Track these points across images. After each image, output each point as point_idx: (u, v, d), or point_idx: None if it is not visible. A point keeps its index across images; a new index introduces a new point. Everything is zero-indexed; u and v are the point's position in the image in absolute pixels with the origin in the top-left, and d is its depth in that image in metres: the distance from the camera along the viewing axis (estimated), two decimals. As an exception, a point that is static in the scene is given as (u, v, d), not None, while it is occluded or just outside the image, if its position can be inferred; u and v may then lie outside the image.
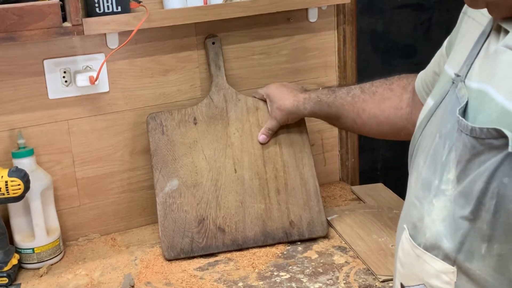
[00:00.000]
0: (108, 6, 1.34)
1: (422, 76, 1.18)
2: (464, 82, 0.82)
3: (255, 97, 1.50)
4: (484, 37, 0.84)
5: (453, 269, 0.77)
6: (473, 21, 0.92)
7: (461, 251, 0.76)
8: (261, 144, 1.46)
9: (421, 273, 0.83)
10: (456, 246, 0.77)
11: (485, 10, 0.86)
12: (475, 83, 0.80)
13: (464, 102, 0.79)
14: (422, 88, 1.16)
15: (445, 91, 0.87)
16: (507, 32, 0.79)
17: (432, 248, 0.81)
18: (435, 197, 0.81)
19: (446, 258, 0.78)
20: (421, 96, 1.16)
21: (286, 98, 1.42)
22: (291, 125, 1.50)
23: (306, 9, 1.59)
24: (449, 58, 0.97)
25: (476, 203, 0.74)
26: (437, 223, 0.80)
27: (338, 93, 1.36)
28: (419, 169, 0.88)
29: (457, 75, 0.85)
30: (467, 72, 0.83)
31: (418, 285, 0.83)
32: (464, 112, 0.78)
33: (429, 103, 0.93)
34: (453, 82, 0.85)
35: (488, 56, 0.81)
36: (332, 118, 1.37)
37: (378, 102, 1.29)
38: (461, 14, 0.99)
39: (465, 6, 0.97)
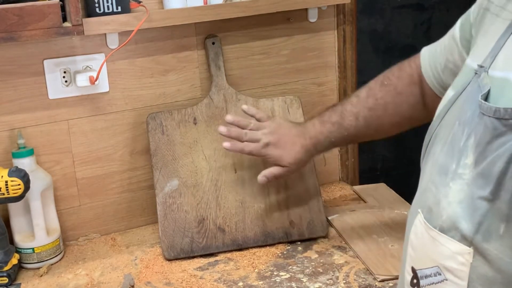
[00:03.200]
0: (108, 6, 1.34)
1: (430, 60, 1.15)
2: (487, 72, 0.83)
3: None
4: (511, 29, 0.85)
5: (470, 250, 0.78)
6: (497, 18, 0.92)
7: (479, 232, 0.77)
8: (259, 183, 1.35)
9: (435, 255, 0.83)
10: (474, 227, 0.77)
11: (510, 7, 0.86)
12: (499, 72, 0.81)
13: (487, 90, 0.80)
14: (432, 73, 1.14)
15: (466, 81, 0.87)
16: None
17: (448, 230, 0.80)
18: (452, 180, 0.82)
19: (463, 239, 0.78)
20: (430, 80, 1.15)
21: (293, 146, 1.31)
22: (291, 125, 1.50)
23: (306, 9, 1.59)
24: (471, 52, 0.97)
25: (496, 183, 0.74)
26: (454, 205, 0.80)
27: (346, 122, 1.27)
28: (435, 157, 0.88)
29: (481, 66, 0.85)
30: (491, 63, 0.84)
31: (432, 267, 0.83)
32: (485, 100, 0.79)
33: (449, 93, 0.93)
34: (475, 73, 0.85)
35: None
36: (344, 144, 1.36)
37: (393, 111, 1.24)
38: (482, 10, 0.97)
39: (487, 2, 0.96)
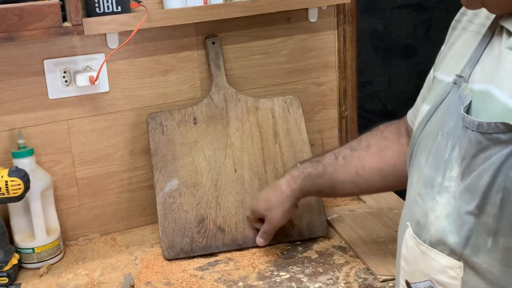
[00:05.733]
0: (108, 6, 1.34)
1: (414, 108, 1.14)
2: (467, 83, 0.83)
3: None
4: (487, 40, 0.85)
5: (460, 264, 0.78)
6: (464, 31, 0.94)
7: (467, 246, 0.77)
8: (259, 245, 1.36)
9: (427, 270, 0.83)
10: (462, 241, 0.77)
11: (481, 19, 0.87)
12: (478, 85, 0.81)
13: (468, 101, 0.80)
14: (414, 117, 1.11)
15: (445, 92, 0.87)
16: (510, 33, 0.80)
17: (437, 244, 0.81)
18: (438, 193, 0.82)
19: (452, 253, 0.79)
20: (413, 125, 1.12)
21: (268, 195, 1.30)
22: (291, 125, 1.50)
23: (306, 9, 1.59)
24: (441, 67, 0.97)
25: (481, 197, 0.75)
26: (441, 219, 0.80)
27: (325, 160, 1.23)
28: (420, 168, 0.88)
29: (460, 76, 0.85)
30: (470, 74, 0.84)
31: (425, 281, 0.84)
32: (466, 112, 0.79)
33: (425, 108, 0.93)
34: (454, 83, 0.85)
35: (491, 59, 0.82)
36: (327, 189, 1.24)
37: (377, 154, 1.18)
38: (450, 30, 1.00)
39: (454, 21, 0.98)
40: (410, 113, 1.16)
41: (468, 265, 0.77)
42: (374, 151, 1.19)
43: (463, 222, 0.77)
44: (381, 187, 1.22)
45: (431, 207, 0.82)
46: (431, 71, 1.05)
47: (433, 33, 2.19)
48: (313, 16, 1.61)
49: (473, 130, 0.76)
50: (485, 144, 0.74)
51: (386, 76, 2.20)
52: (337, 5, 1.62)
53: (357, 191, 1.26)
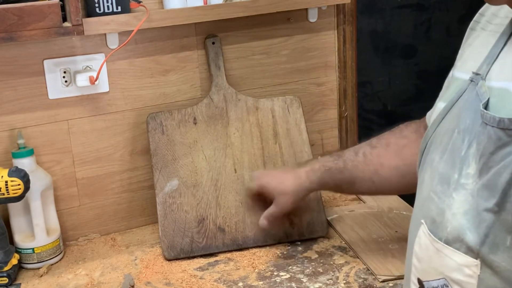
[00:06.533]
0: (108, 6, 1.34)
1: (432, 110, 1.14)
2: (484, 80, 0.83)
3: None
4: (506, 37, 0.85)
5: (477, 262, 0.77)
6: (483, 31, 0.93)
7: (485, 243, 0.76)
8: (262, 227, 1.34)
9: (441, 268, 0.82)
10: (481, 239, 0.76)
11: (500, 19, 0.86)
12: (496, 83, 0.81)
13: (486, 98, 0.79)
14: None
15: (461, 90, 0.87)
16: None
17: (454, 242, 0.80)
18: (455, 190, 0.81)
19: (469, 251, 0.78)
20: None
21: (285, 179, 1.29)
22: (291, 125, 1.50)
23: (306, 9, 1.59)
24: (458, 65, 0.97)
25: (501, 195, 0.74)
26: (459, 217, 0.80)
27: (345, 156, 1.25)
28: (434, 165, 0.87)
29: (477, 74, 0.85)
30: (487, 72, 0.84)
31: (438, 279, 0.83)
32: (485, 109, 0.79)
33: (440, 105, 0.93)
34: (471, 81, 0.85)
35: (511, 56, 0.82)
36: (345, 185, 1.25)
37: (396, 152, 1.20)
38: (468, 30, 0.99)
39: (472, 22, 0.98)
40: (429, 113, 1.15)
41: (485, 263, 0.76)
42: (393, 149, 1.21)
43: (481, 220, 0.76)
44: (397, 187, 1.23)
45: (448, 205, 0.82)
46: (450, 72, 1.05)
47: (433, 33, 2.19)
48: (313, 16, 1.61)
49: (493, 126, 0.76)
50: (505, 140, 0.74)
51: (386, 76, 2.20)
52: (337, 5, 1.62)
53: (373, 190, 1.25)
